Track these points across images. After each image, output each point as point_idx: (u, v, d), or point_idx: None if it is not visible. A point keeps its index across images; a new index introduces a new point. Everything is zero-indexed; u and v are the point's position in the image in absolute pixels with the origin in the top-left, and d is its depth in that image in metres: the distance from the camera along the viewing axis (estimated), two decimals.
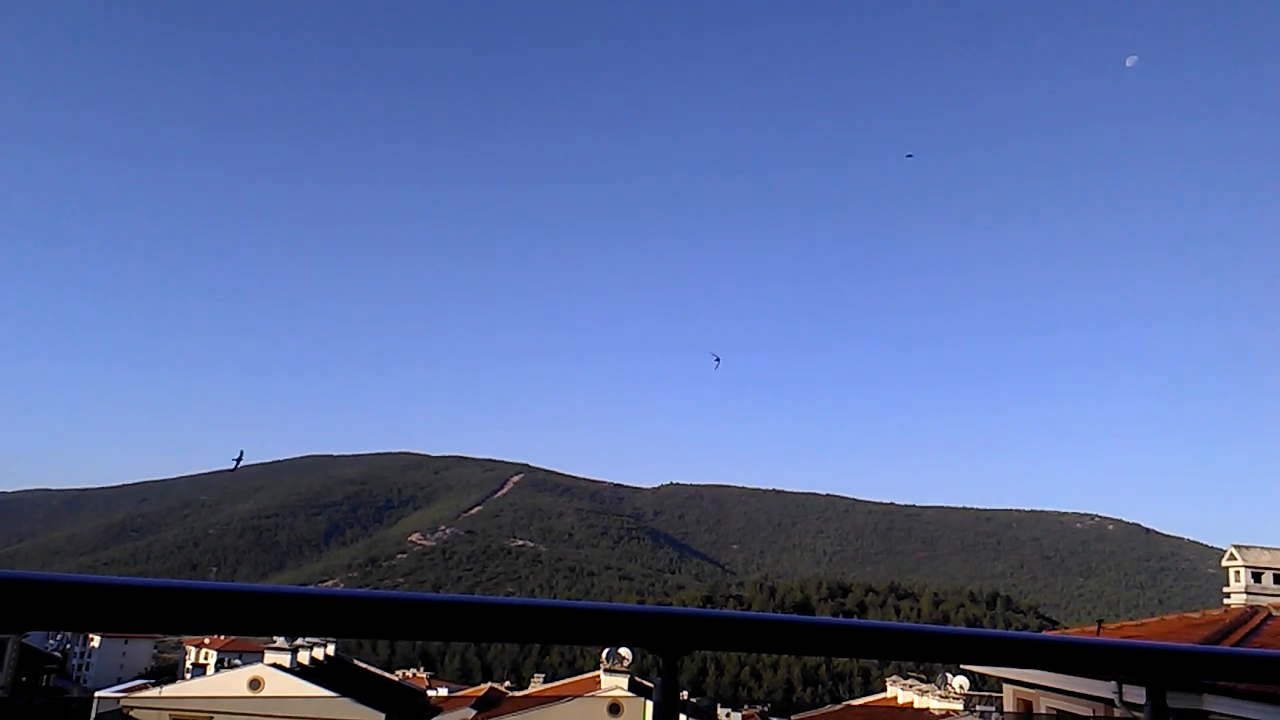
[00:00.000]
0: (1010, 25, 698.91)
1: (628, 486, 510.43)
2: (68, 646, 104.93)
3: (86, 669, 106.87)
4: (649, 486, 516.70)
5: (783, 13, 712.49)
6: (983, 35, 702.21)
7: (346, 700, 45.98)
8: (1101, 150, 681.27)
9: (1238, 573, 21.25)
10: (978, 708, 37.85)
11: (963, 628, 1.91)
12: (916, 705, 40.06)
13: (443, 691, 74.13)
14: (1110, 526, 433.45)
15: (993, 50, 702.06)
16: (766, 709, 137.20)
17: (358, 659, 77.91)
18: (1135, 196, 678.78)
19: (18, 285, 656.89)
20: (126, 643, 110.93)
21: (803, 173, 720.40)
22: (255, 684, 45.17)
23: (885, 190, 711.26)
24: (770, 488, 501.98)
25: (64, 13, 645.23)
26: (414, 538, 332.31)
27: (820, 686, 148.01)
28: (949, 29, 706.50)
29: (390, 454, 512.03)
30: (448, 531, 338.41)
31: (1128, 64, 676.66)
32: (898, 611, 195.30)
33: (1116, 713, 15.90)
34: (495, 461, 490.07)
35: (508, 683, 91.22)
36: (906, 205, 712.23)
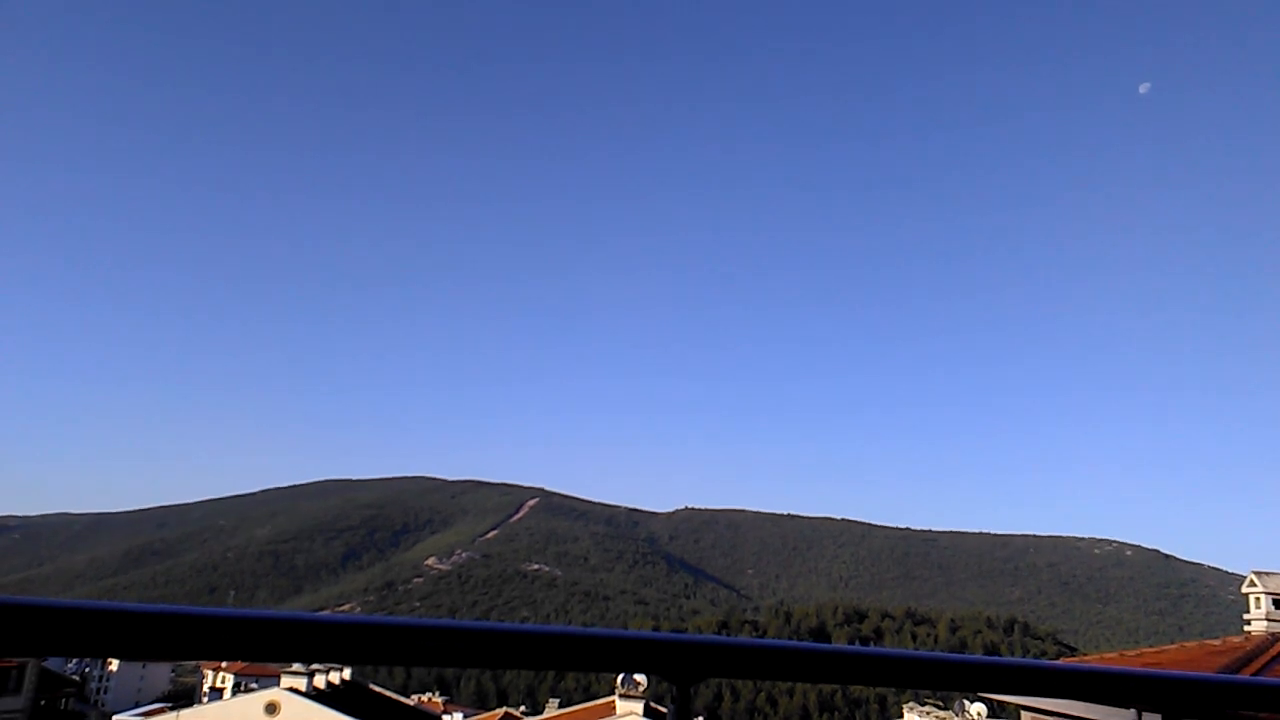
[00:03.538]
0: (1029, 53, 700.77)
1: (643, 511, 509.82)
2: (86, 670, 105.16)
3: (105, 692, 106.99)
4: (664, 511, 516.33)
5: (801, 28, 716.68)
6: (1002, 60, 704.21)
7: None
8: (1118, 172, 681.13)
9: (1258, 599, 21.05)
10: None
11: (980, 655, 1.91)
12: None
13: (458, 716, 74.08)
14: (1128, 552, 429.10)
15: (1011, 74, 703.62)
16: None
17: (374, 683, 77.81)
18: (1151, 219, 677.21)
19: (37, 309, 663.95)
20: (144, 666, 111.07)
21: (818, 192, 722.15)
22: (271, 708, 45.19)
23: (902, 210, 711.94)
24: (786, 512, 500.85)
25: (64, 24, 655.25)
26: (430, 562, 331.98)
27: (836, 713, 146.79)
28: (968, 52, 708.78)
29: (406, 478, 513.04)
30: (464, 556, 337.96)
31: (1141, 90, 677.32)
32: (914, 637, 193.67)
33: None
34: (511, 486, 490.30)
35: (523, 707, 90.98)
36: (922, 227, 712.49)
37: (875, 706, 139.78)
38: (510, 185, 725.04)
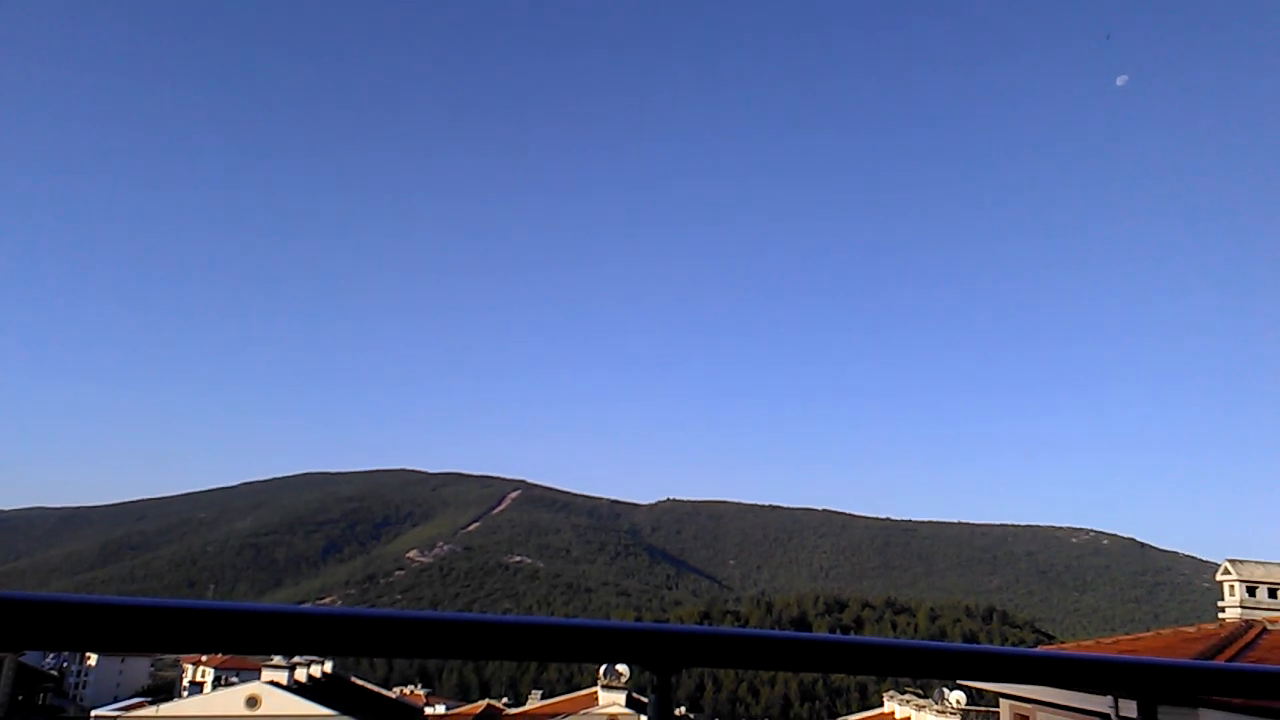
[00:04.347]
0: (1007, 46, 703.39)
1: (625, 503, 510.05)
2: (64, 665, 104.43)
3: (83, 687, 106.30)
4: (646, 503, 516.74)
5: (786, 27, 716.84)
6: (981, 55, 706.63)
7: (344, 718, 45.91)
8: (1097, 165, 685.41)
9: (1232, 587, 21.32)
10: None
11: (959, 644, 1.93)
12: None
13: (440, 708, 73.87)
14: (1105, 541, 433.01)
15: (990, 69, 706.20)
16: None
17: (355, 676, 77.72)
18: (1128, 211, 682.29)
19: (16, 304, 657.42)
20: (123, 661, 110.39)
21: (797, 185, 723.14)
22: (252, 702, 45.10)
23: (879, 204, 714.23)
24: (767, 503, 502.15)
25: (66, 24, 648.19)
26: (411, 555, 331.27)
27: (817, 702, 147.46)
28: (949, 47, 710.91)
29: (388, 471, 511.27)
30: (445, 548, 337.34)
31: (1118, 83, 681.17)
32: (894, 626, 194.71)
33: None
34: (492, 478, 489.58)
35: (505, 699, 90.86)
36: (900, 220, 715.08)
37: (855, 695, 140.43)
38: (487, 180, 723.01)
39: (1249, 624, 19.87)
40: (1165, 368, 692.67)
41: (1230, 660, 17.19)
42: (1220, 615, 21.52)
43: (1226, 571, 21.51)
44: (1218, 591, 21.89)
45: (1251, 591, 21.09)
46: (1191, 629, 21.35)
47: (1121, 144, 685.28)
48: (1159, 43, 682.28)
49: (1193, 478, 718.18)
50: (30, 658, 64.82)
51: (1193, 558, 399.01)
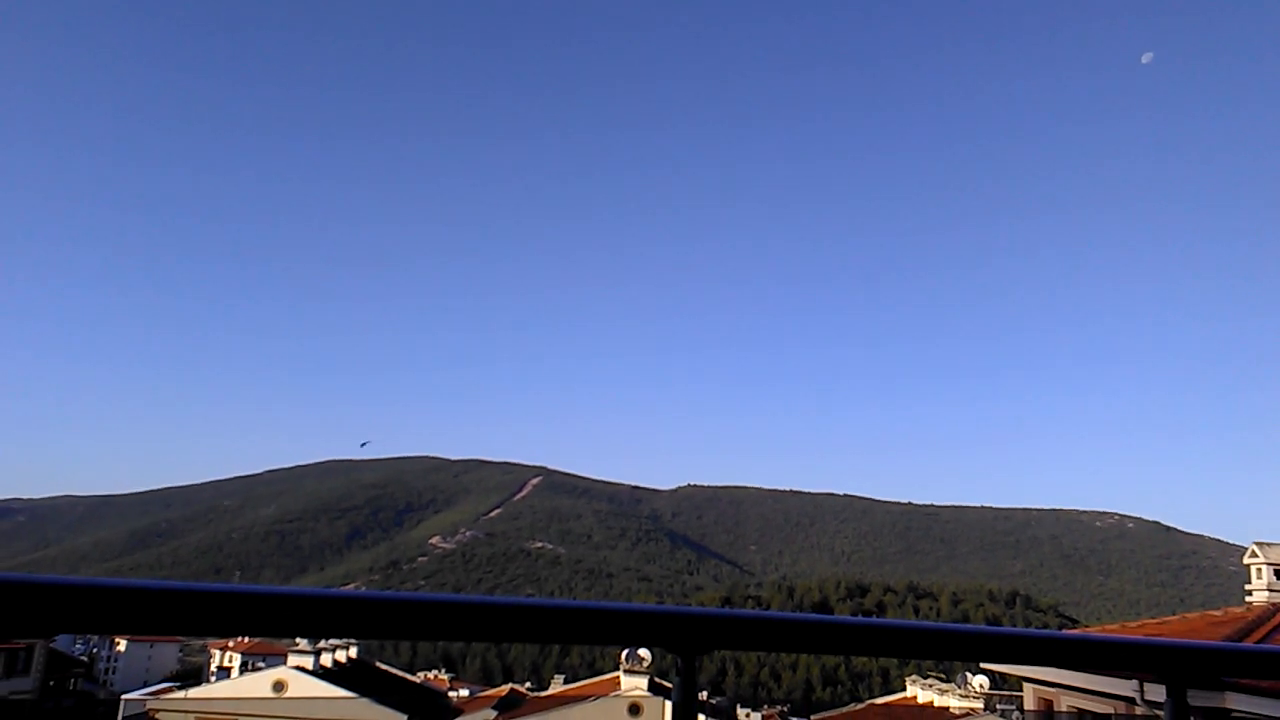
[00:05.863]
0: (1026, 21, 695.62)
1: (645, 488, 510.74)
2: (94, 650, 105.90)
3: (113, 672, 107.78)
4: (667, 488, 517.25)
5: (778, 7, 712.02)
6: (996, 31, 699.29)
7: (368, 702, 46.29)
8: (1118, 146, 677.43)
9: (1259, 570, 21.14)
10: (998, 707, 37.74)
11: (982, 626, 1.92)
12: (936, 704, 39.96)
13: (464, 693, 74.47)
14: (1130, 524, 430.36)
15: (1006, 46, 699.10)
16: (786, 709, 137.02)
17: (380, 661, 78.32)
18: (1152, 191, 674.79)
19: (40, 293, 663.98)
20: (152, 646, 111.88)
21: (818, 168, 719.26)
22: (279, 686, 45.51)
23: (899, 186, 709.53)
24: (788, 488, 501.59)
25: (64, 11, 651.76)
26: (434, 541, 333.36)
27: (839, 686, 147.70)
28: (962, 23, 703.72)
29: (410, 458, 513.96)
30: (467, 534, 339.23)
31: (1143, 60, 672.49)
32: (916, 611, 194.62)
33: (1138, 711, 15.90)
34: (514, 464, 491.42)
35: (528, 684, 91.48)
36: (922, 201, 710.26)
37: (878, 679, 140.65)
38: (509, 164, 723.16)
39: (1277, 607, 19.71)
40: (1191, 350, 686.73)
41: (1258, 644, 17.04)
42: (1247, 599, 21.34)
43: (1253, 554, 21.32)
44: (1244, 575, 21.71)
45: (1279, 574, 20.91)
46: (1218, 612, 21.19)
47: (1146, 123, 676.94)
48: (1188, 18, 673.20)
49: (1218, 460, 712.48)
50: (61, 643, 65.76)
51: (1219, 541, 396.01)
